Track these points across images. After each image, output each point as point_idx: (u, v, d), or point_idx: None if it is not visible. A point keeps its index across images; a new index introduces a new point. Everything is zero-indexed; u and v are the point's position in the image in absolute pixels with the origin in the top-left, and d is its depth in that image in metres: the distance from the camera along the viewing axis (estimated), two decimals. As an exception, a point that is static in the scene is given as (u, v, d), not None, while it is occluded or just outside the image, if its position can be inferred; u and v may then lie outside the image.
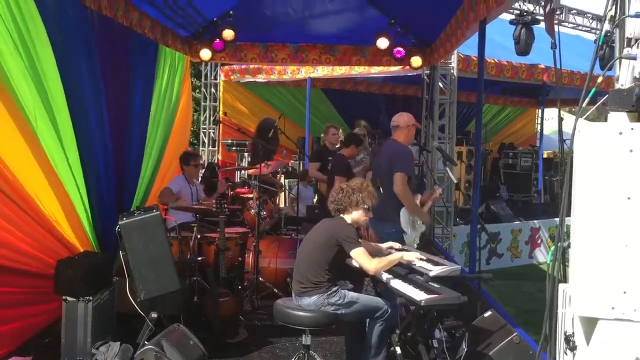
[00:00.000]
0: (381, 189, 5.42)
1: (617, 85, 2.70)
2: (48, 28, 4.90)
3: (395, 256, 4.50)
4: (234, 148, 12.25)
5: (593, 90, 2.58)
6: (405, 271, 4.49)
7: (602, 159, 2.37)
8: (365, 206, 4.46)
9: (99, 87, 5.89)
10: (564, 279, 2.76)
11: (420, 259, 4.44)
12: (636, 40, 2.56)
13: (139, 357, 3.97)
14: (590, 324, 2.44)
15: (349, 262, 4.62)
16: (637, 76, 2.40)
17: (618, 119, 2.50)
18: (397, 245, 4.88)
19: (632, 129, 2.33)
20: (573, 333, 2.58)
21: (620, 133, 2.33)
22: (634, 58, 2.54)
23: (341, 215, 4.50)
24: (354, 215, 4.47)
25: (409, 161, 5.56)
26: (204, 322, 5.41)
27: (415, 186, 9.34)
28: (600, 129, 2.40)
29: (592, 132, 2.40)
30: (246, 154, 11.73)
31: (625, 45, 2.63)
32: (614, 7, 2.62)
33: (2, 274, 4.49)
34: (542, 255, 11.75)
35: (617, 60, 2.66)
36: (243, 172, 10.71)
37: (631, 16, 2.54)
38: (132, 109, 6.88)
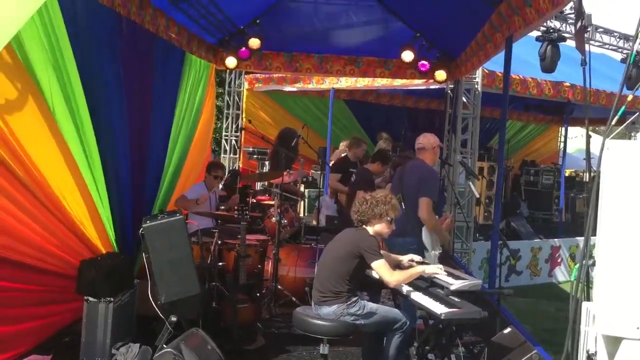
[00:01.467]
0: (403, 204, 5.41)
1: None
2: (69, 29, 4.93)
3: (417, 270, 4.49)
4: (255, 156, 12.33)
5: (622, 108, 2.58)
6: (425, 284, 4.47)
7: (629, 177, 2.36)
8: (389, 218, 4.48)
9: (121, 92, 5.96)
10: (588, 298, 2.74)
11: (442, 271, 4.43)
12: (668, 59, 2.56)
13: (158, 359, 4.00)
14: (614, 343, 2.42)
15: (368, 273, 4.62)
16: (669, 95, 2.40)
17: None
18: (417, 258, 4.87)
19: (661, 147, 2.32)
20: (596, 352, 2.56)
21: (650, 151, 2.32)
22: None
23: (364, 226, 4.51)
24: (377, 227, 4.49)
25: (435, 186, 5.62)
26: (222, 328, 5.42)
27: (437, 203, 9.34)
28: (629, 147, 2.39)
29: (621, 150, 2.39)
30: (267, 162, 11.79)
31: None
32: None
33: (26, 272, 4.56)
34: (562, 275, 11.61)
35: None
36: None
37: (663, 35, 2.54)
38: (155, 115, 6.95)
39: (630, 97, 2.66)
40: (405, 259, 4.83)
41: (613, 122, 2.56)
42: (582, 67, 3.03)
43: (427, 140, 5.75)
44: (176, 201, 6.86)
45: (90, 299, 4.70)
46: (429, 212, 5.35)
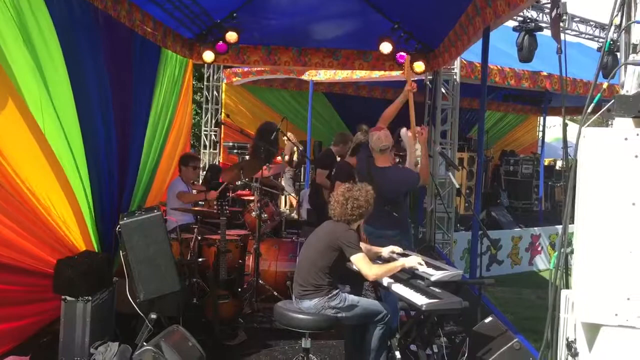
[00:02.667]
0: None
1: (622, 92, 2.69)
2: (57, 26, 4.90)
3: (397, 264, 4.47)
4: (235, 151, 12.27)
5: (598, 96, 2.58)
6: (406, 275, 4.46)
7: (607, 164, 2.36)
8: (366, 216, 4.54)
9: (105, 88, 5.89)
10: (567, 286, 2.75)
11: (421, 265, 4.42)
12: (642, 46, 2.56)
13: (138, 358, 3.95)
14: (592, 330, 2.43)
15: (349, 266, 4.61)
16: (643, 82, 2.39)
17: (623, 124, 2.50)
18: (398, 249, 4.85)
19: (637, 134, 2.32)
20: (575, 339, 2.57)
21: (626, 139, 2.32)
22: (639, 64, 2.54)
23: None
24: (357, 224, 4.54)
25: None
26: (203, 324, 5.40)
27: (416, 191, 9.34)
28: (606, 134, 2.39)
29: (597, 138, 2.39)
30: (247, 157, 11.74)
31: (630, 52, 2.63)
32: (619, 14, 2.62)
33: (4, 272, 4.48)
34: (542, 263, 11.73)
35: (623, 67, 2.65)
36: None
37: (638, 22, 2.54)
38: (134, 111, 6.88)
39: (605, 85, 2.66)
40: (385, 251, 4.82)
41: (589, 110, 2.56)
42: (557, 55, 3.03)
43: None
44: (181, 197, 6.75)
45: (68, 298, 4.63)
46: None
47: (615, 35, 2.69)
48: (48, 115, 4.91)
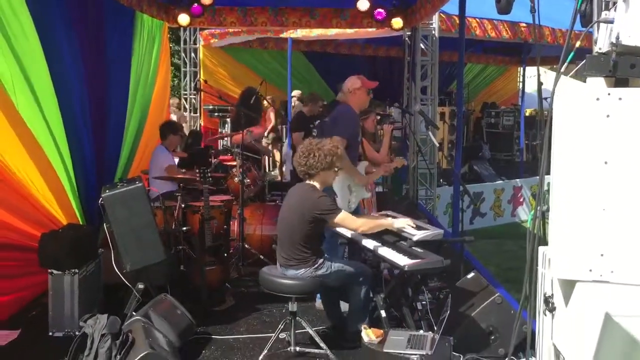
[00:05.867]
0: None
1: (596, 49, 2.70)
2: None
3: (385, 221, 4.52)
4: (216, 114, 12.16)
5: (571, 54, 2.58)
6: (388, 236, 4.53)
7: (579, 124, 2.39)
8: (336, 169, 4.47)
9: (78, 58, 5.80)
10: (544, 242, 2.81)
11: (411, 226, 4.45)
12: (614, 3, 2.55)
13: (127, 329, 3.99)
14: (568, 286, 2.49)
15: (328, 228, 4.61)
16: (614, 41, 2.40)
17: (595, 84, 2.51)
18: (390, 213, 4.89)
19: (609, 94, 2.34)
20: (552, 294, 2.64)
21: (598, 99, 2.34)
22: (612, 22, 2.54)
23: (310, 181, 4.45)
24: (324, 177, 4.43)
25: (349, 127, 5.33)
26: (191, 291, 5.45)
27: (398, 148, 9.38)
28: (578, 94, 2.40)
29: (570, 98, 2.41)
30: (228, 120, 11.66)
31: (603, 9, 2.62)
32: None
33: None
34: (525, 213, 11.87)
35: (596, 24, 2.66)
36: (226, 139, 10.65)
37: (609, -21, 2.54)
38: (111, 79, 6.78)
39: (582, 36, 2.66)
40: (377, 215, 4.83)
41: (563, 68, 2.57)
42: (531, 13, 3.02)
43: (345, 84, 5.52)
44: (169, 170, 6.70)
45: (55, 271, 4.66)
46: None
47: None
48: (20, 88, 4.83)
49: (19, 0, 4.76)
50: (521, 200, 11.99)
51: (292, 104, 10.94)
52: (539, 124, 2.80)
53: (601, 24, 2.63)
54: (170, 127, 7.09)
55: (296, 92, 11.92)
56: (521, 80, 14.95)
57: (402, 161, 5.91)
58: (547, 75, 14.95)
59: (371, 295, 4.55)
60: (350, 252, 5.48)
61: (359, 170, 5.46)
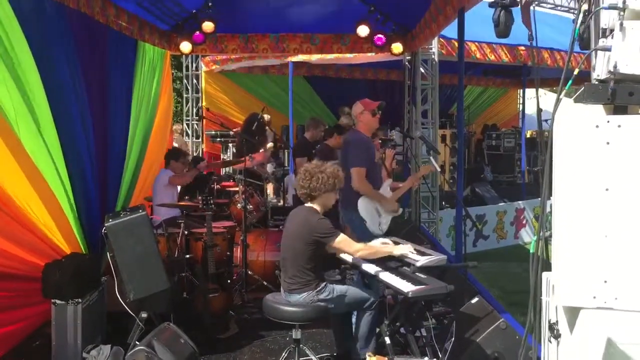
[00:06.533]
0: None
1: (594, 76, 2.72)
2: (25, 28, 4.84)
3: (385, 248, 4.52)
4: (218, 139, 12.23)
5: (570, 82, 2.61)
6: (391, 262, 4.52)
7: (579, 151, 2.40)
8: (337, 190, 4.49)
9: (80, 87, 5.84)
10: (548, 267, 2.80)
11: (412, 253, 4.44)
12: (611, 31, 2.58)
13: (131, 359, 3.98)
14: (573, 313, 2.48)
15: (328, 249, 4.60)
16: (612, 69, 2.42)
17: (594, 111, 2.53)
18: (389, 241, 4.86)
19: (608, 121, 2.35)
20: (557, 321, 2.63)
21: (597, 126, 2.36)
22: (609, 49, 2.56)
23: (310, 203, 4.45)
24: (326, 200, 4.44)
25: (363, 153, 5.37)
26: (194, 318, 5.42)
27: (400, 172, 9.39)
28: (577, 121, 2.42)
29: (570, 125, 2.43)
30: (231, 145, 11.72)
31: (600, 36, 2.65)
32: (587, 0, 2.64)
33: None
34: (528, 236, 11.87)
35: (593, 52, 2.68)
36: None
37: (605, 8, 2.57)
38: (113, 107, 6.83)
39: (577, 67, 2.68)
40: (378, 242, 4.79)
41: (562, 95, 2.59)
42: (529, 42, 3.05)
43: (352, 112, 5.63)
44: (176, 180, 6.76)
45: (58, 301, 4.65)
46: (359, 180, 5.25)
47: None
48: (22, 118, 4.85)
49: (17, 31, 4.80)
50: (524, 222, 11.98)
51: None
52: (540, 148, 2.81)
53: (599, 52, 2.66)
54: (171, 154, 7.17)
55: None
56: (521, 102, 15.02)
57: (428, 168, 5.87)
58: (547, 97, 15.03)
59: (377, 321, 4.51)
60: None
61: (383, 192, 5.49)
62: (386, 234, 5.42)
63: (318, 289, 4.31)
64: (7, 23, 4.65)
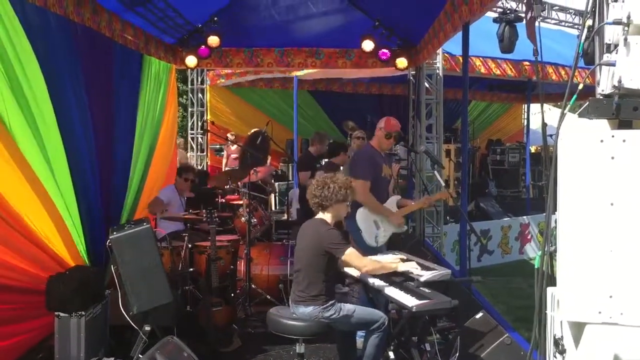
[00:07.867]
0: None
1: (599, 90, 2.73)
2: (33, 43, 4.88)
3: (392, 264, 4.49)
4: (222, 153, 12.28)
5: (574, 97, 2.62)
6: (396, 277, 4.50)
7: (584, 166, 2.40)
8: (348, 202, 4.47)
9: (84, 100, 5.87)
10: (553, 282, 2.79)
11: (417, 269, 4.42)
12: (615, 46, 2.59)
13: (134, 372, 3.97)
14: (578, 328, 2.47)
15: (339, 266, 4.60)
16: (616, 84, 2.43)
17: (599, 125, 2.53)
18: (400, 254, 4.84)
19: (612, 136, 2.35)
20: (562, 337, 2.61)
21: (602, 141, 2.36)
22: (613, 64, 2.57)
23: (321, 214, 4.44)
24: (336, 211, 4.43)
25: (369, 166, 5.42)
26: (197, 332, 5.41)
27: (404, 187, 9.39)
28: (582, 136, 2.42)
29: (574, 139, 2.43)
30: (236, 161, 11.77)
31: (604, 52, 2.66)
32: (592, 16, 2.65)
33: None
34: (532, 251, 11.82)
35: (598, 67, 2.69)
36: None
37: (609, 23, 2.58)
38: (118, 121, 6.85)
39: (581, 83, 2.69)
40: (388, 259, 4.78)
41: (566, 111, 2.60)
42: (534, 57, 3.06)
43: (379, 122, 5.65)
44: (150, 204, 6.78)
45: (61, 314, 4.64)
46: (364, 193, 5.26)
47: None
48: (25, 131, 4.87)
49: (24, 43, 4.84)
50: (529, 237, 11.94)
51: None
52: (545, 162, 2.81)
53: (603, 67, 2.66)
54: (178, 169, 7.21)
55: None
56: (526, 117, 15.04)
57: (446, 194, 5.88)
58: (552, 112, 15.03)
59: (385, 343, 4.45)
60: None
61: (389, 207, 5.48)
62: (389, 248, 5.42)
63: (325, 305, 4.26)
64: (16, 38, 4.68)
